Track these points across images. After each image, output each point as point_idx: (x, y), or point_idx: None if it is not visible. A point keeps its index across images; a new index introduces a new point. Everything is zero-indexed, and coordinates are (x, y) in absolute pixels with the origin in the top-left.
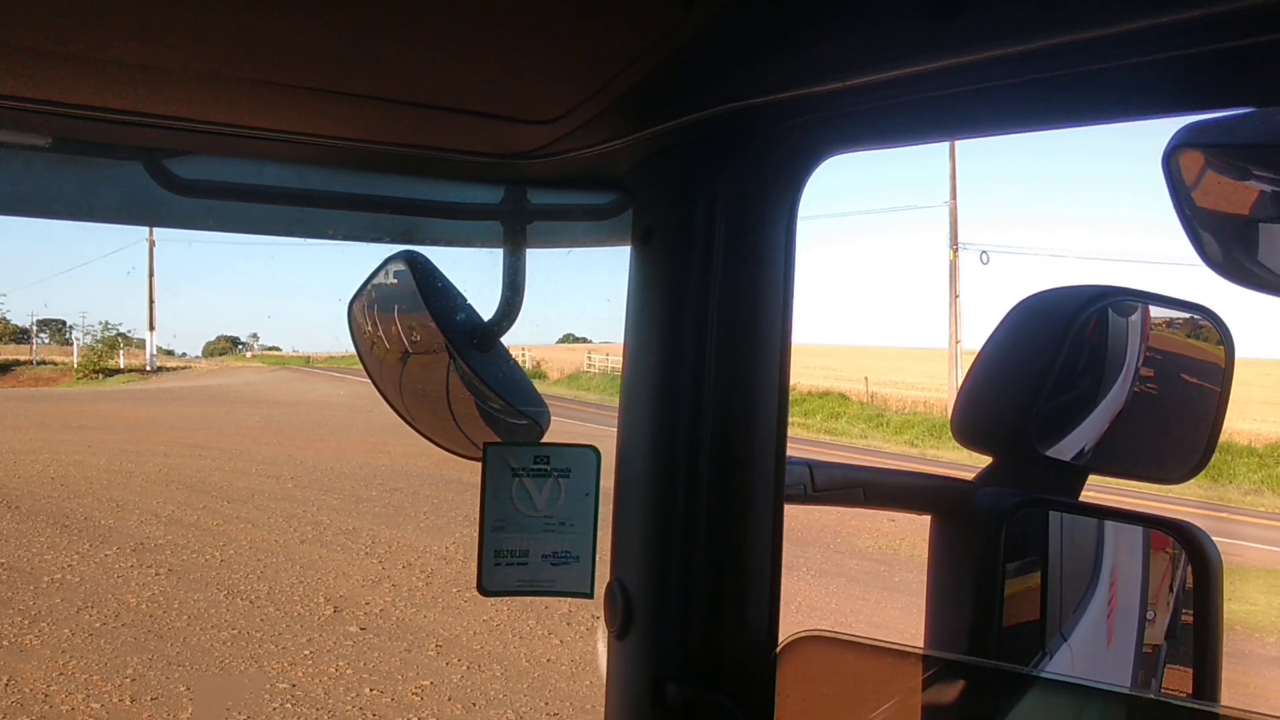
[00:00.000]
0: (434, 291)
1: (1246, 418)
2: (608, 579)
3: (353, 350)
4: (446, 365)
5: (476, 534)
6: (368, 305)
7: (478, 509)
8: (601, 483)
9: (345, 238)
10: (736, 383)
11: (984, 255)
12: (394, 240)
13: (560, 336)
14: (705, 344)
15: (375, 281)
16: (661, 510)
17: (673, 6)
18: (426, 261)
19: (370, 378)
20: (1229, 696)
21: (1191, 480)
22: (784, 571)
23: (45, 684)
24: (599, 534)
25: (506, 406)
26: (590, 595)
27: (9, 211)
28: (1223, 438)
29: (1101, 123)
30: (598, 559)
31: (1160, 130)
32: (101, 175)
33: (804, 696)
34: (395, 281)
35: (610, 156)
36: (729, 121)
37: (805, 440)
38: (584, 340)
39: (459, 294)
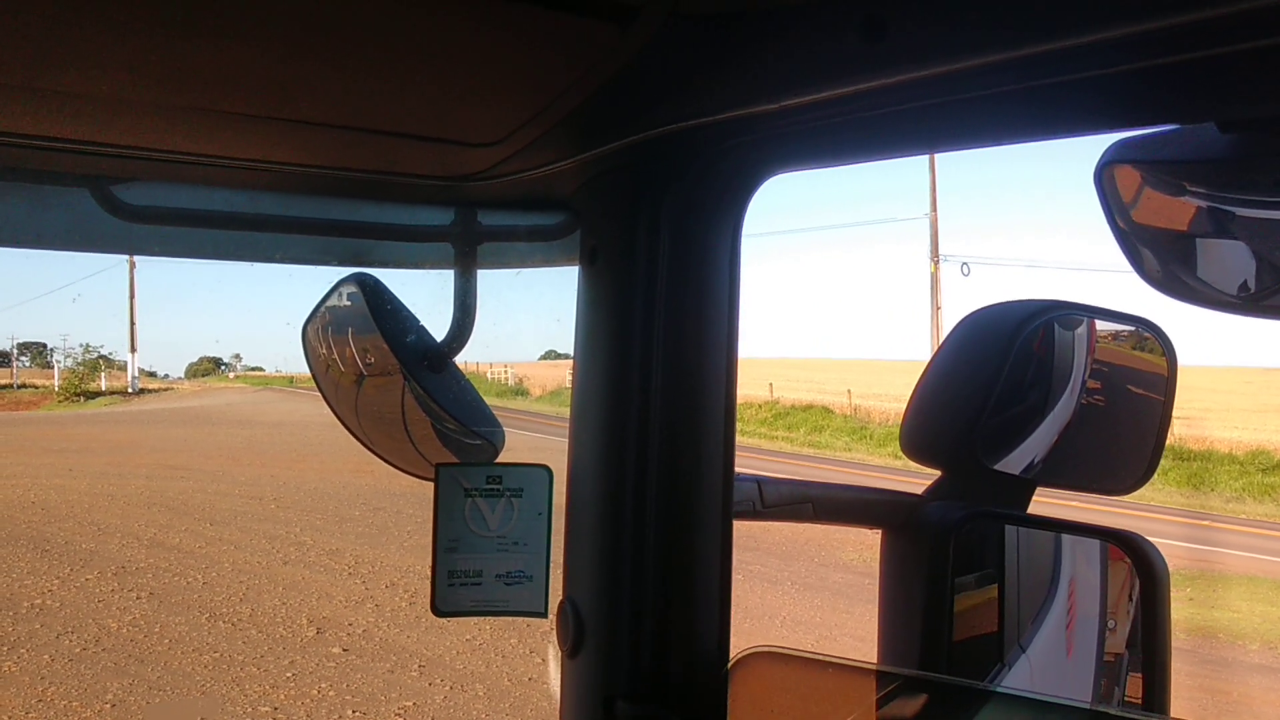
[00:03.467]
0: (385, 314)
1: (1228, 425)
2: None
3: None
4: (401, 387)
5: None
6: (321, 328)
7: None
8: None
9: (295, 261)
10: (683, 401)
11: (964, 267)
12: (345, 263)
13: (542, 353)
14: (652, 363)
15: (328, 304)
16: (611, 529)
17: (610, 31)
18: (378, 283)
19: (326, 401)
20: (1213, 706)
21: (1141, 488)
22: (769, 585)
23: (24, 710)
24: (552, 553)
25: (461, 427)
26: (544, 614)
27: None
28: (1205, 446)
29: (1032, 140)
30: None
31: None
32: (48, 202)
33: (756, 713)
34: (348, 304)
35: (556, 178)
36: (670, 142)
37: (789, 454)
38: (566, 356)
39: (410, 315)
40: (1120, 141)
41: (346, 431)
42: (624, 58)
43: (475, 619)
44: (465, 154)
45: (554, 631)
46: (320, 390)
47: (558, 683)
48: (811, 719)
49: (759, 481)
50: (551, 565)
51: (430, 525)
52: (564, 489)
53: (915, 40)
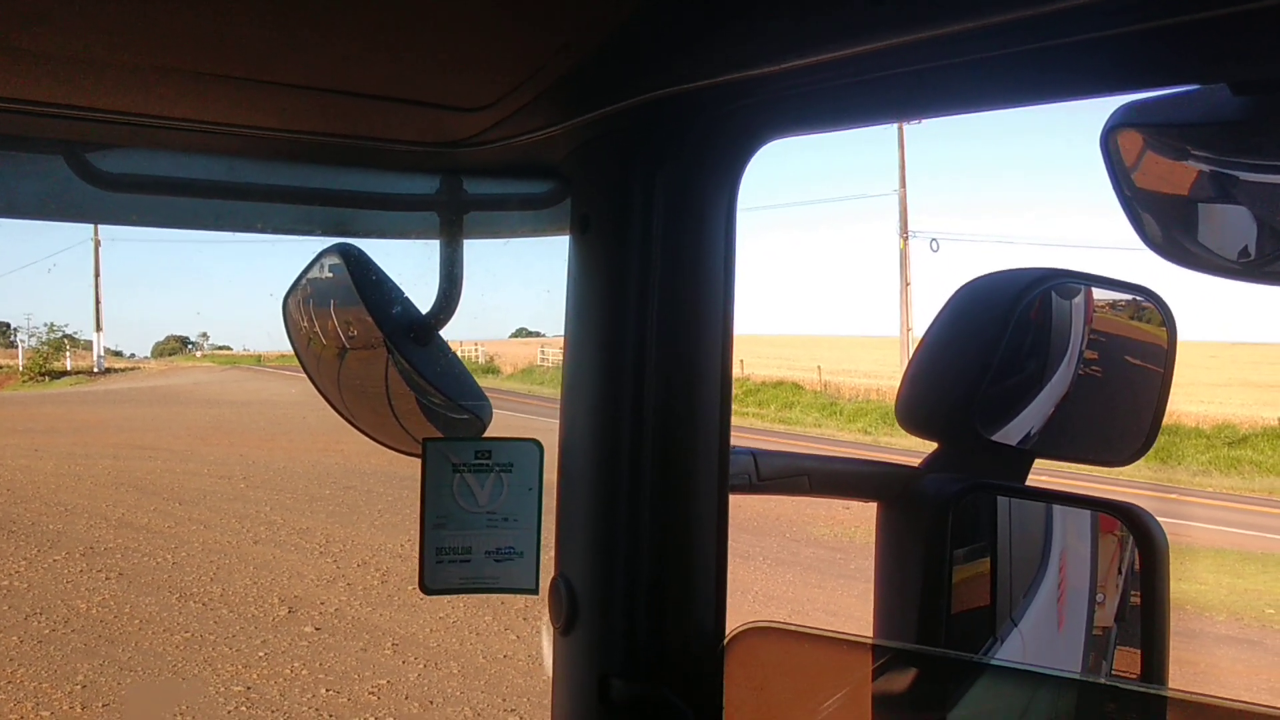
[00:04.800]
0: (369, 285)
1: (1194, 399)
2: (553, 574)
3: None
4: (385, 360)
5: None
6: (303, 300)
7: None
8: (545, 477)
9: (277, 231)
10: (679, 373)
11: (934, 243)
12: (327, 233)
13: (513, 331)
14: (646, 334)
15: (310, 276)
16: (605, 504)
17: None
18: (361, 254)
19: (307, 375)
20: (1179, 675)
21: (1138, 461)
22: (741, 561)
23: None
24: (543, 529)
25: (447, 401)
26: (535, 591)
27: None
28: (1171, 420)
29: (1040, 103)
30: (542, 554)
31: (1102, 110)
32: (20, 170)
33: (752, 689)
34: (330, 275)
35: (546, 144)
36: (665, 107)
37: (759, 430)
38: (538, 334)
39: (395, 287)
40: (1127, 105)
41: (317, 409)
42: (618, 20)
43: (449, 597)
44: (453, 119)
45: (547, 609)
46: (302, 364)
47: (551, 661)
48: (807, 693)
49: (754, 454)
50: (542, 541)
51: (405, 503)
52: (555, 463)
53: (920, 1)
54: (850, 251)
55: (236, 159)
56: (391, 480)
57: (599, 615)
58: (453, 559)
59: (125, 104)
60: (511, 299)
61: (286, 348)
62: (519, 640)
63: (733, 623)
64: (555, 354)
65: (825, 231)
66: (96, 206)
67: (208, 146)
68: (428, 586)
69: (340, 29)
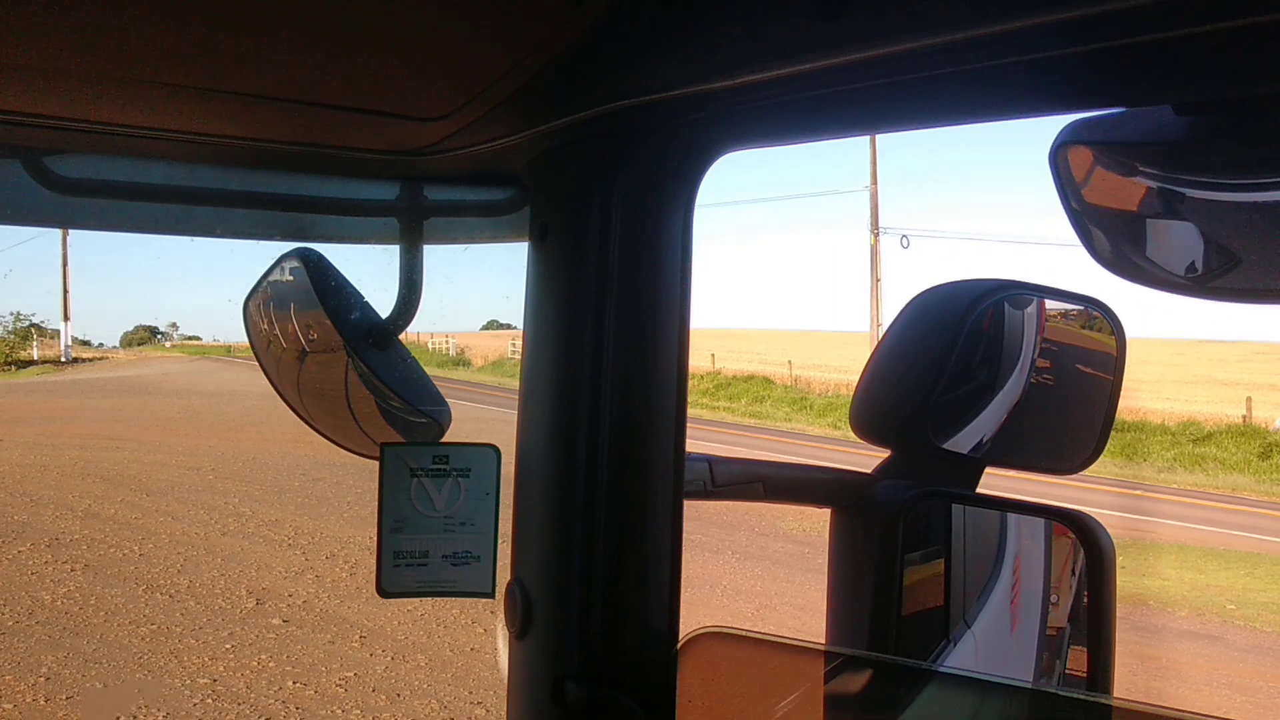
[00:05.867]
0: (328, 290)
1: (1160, 397)
2: (509, 578)
3: None
4: (345, 364)
5: None
6: (263, 303)
7: None
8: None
9: (236, 236)
10: (635, 380)
11: (904, 239)
12: (287, 238)
13: (484, 323)
14: (603, 341)
15: (270, 279)
16: (560, 509)
17: (561, 4)
18: (321, 259)
19: (267, 377)
20: (1142, 670)
21: (1090, 467)
22: (710, 555)
23: None
24: (499, 533)
25: (406, 405)
26: (492, 595)
27: None
28: (1137, 417)
29: (989, 120)
30: (499, 558)
31: (1058, 120)
32: None
33: (705, 692)
34: (291, 279)
35: (505, 153)
36: (622, 118)
37: (730, 424)
38: (508, 326)
39: (355, 291)
40: (1076, 122)
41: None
42: (575, 32)
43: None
44: (412, 128)
45: (502, 612)
46: (262, 366)
47: (506, 663)
48: (760, 697)
49: (710, 461)
50: (500, 545)
51: (375, 495)
52: (512, 468)
53: (872, 18)
54: (822, 247)
55: (196, 165)
56: (361, 472)
57: (553, 619)
58: (410, 563)
59: (84, 111)
60: (478, 294)
61: None
62: (486, 634)
63: (699, 621)
64: None
65: (797, 226)
66: (55, 211)
67: (167, 153)
68: (385, 589)
69: (300, 39)
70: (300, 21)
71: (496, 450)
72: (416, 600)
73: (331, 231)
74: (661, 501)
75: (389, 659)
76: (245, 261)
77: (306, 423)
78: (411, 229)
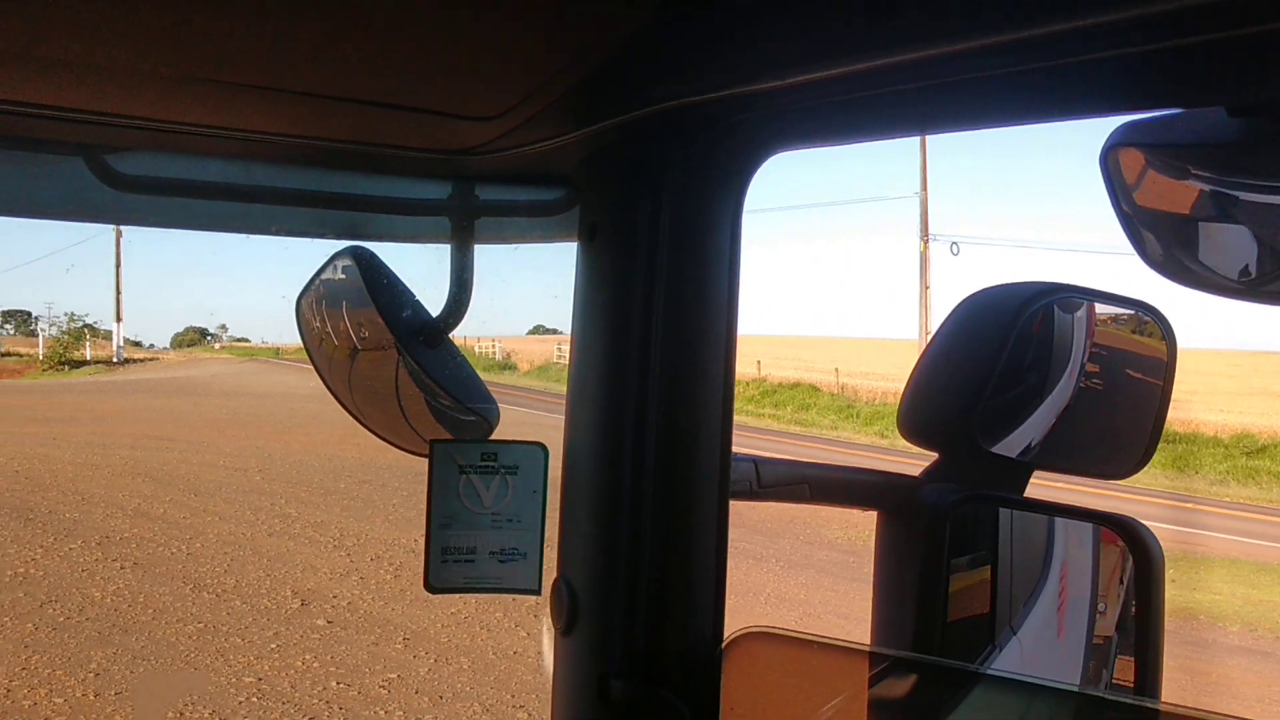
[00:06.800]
0: (380, 288)
1: (1213, 408)
2: (555, 576)
3: None
4: (395, 361)
5: None
6: (316, 301)
7: None
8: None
9: (290, 234)
10: (682, 380)
11: (954, 246)
12: (340, 236)
13: (530, 328)
14: (650, 342)
15: (323, 277)
16: (607, 508)
17: (612, 5)
18: (373, 257)
19: (319, 374)
20: (1191, 685)
21: (1139, 473)
22: (755, 563)
23: (7, 679)
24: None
25: (455, 403)
26: (538, 592)
27: None
28: (1190, 429)
29: (1038, 121)
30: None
31: (1106, 126)
32: (41, 171)
33: (750, 692)
34: (343, 277)
35: (556, 153)
36: (672, 118)
37: (775, 431)
38: (554, 331)
39: (406, 290)
40: (1127, 124)
41: (336, 405)
42: (626, 32)
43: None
44: (464, 128)
45: (549, 610)
46: (313, 364)
47: (551, 660)
48: (804, 698)
49: (755, 462)
50: (546, 543)
51: (420, 498)
52: (559, 466)
53: (922, 19)
54: (870, 254)
55: (252, 163)
56: (407, 475)
57: (599, 616)
58: (457, 559)
59: (144, 109)
60: (525, 298)
61: None
62: (529, 637)
63: (741, 625)
64: None
65: (845, 233)
66: (114, 208)
67: (224, 151)
68: (432, 585)
69: (354, 40)
70: (357, 23)
71: (544, 448)
72: (460, 603)
73: (383, 230)
74: (707, 501)
75: (432, 661)
76: (296, 264)
77: (357, 419)
78: (463, 228)
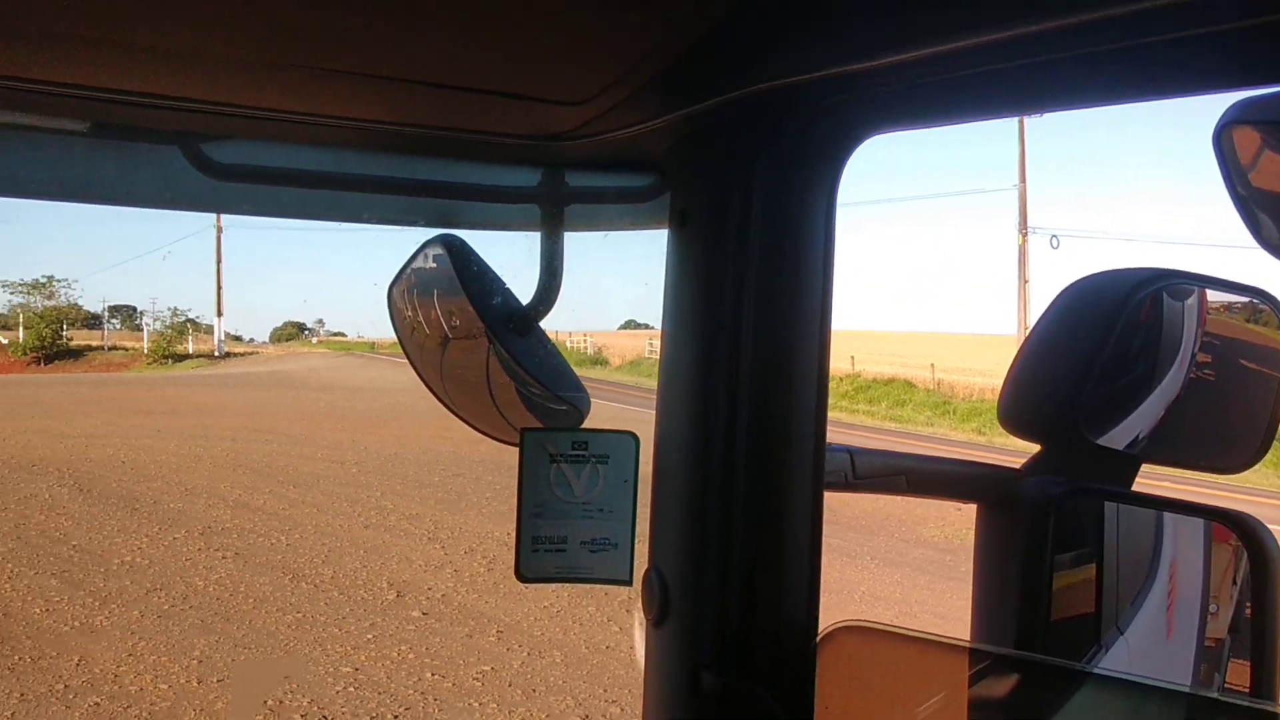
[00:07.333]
0: (471, 275)
1: None
2: (646, 566)
3: None
4: (486, 350)
5: None
6: (407, 290)
7: None
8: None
9: (382, 221)
10: (775, 369)
11: (1054, 239)
12: (431, 224)
13: (622, 322)
14: (742, 329)
15: (414, 266)
16: (698, 498)
17: None
18: (464, 245)
19: (411, 363)
20: None
21: (1249, 469)
22: (849, 560)
23: (115, 664)
24: (638, 521)
25: (546, 392)
26: (629, 583)
27: (48, 196)
28: None
29: (1147, 99)
30: (636, 546)
31: (1220, 102)
32: (139, 160)
33: (844, 687)
34: (434, 265)
35: (646, 138)
36: (765, 101)
37: (869, 427)
38: (646, 326)
39: (496, 278)
40: (1241, 101)
41: (428, 396)
42: (719, 13)
43: (553, 586)
44: (554, 113)
45: (639, 601)
46: (405, 352)
47: (643, 652)
48: (900, 695)
49: (850, 452)
50: (637, 533)
51: (511, 491)
52: (651, 456)
53: None
54: (967, 247)
55: (344, 150)
56: (499, 468)
57: (691, 608)
58: (548, 548)
59: (238, 97)
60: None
61: None
62: (621, 632)
63: (834, 620)
64: None
65: (941, 226)
66: (210, 196)
67: (316, 138)
68: (523, 575)
69: (444, 24)
70: (445, 6)
71: (635, 437)
72: (553, 597)
73: (474, 218)
74: (801, 492)
75: (525, 654)
76: (390, 258)
77: (449, 408)
78: (552, 215)
